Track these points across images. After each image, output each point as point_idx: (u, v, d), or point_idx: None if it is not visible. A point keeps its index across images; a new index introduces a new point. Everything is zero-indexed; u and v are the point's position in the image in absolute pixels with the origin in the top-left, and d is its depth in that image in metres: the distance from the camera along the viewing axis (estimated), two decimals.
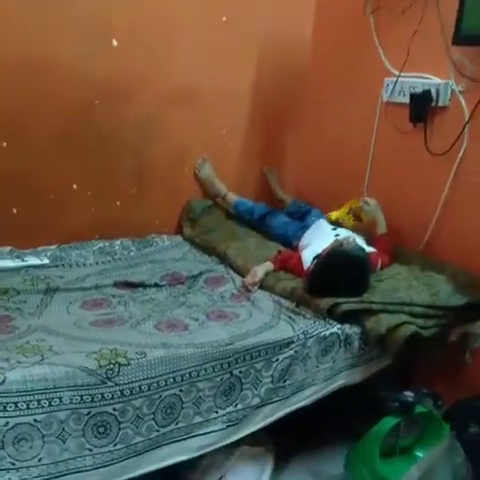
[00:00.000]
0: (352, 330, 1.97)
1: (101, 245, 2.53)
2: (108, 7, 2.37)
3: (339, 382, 2.01)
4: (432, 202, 2.35)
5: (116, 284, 2.24)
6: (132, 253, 2.56)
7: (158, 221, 2.82)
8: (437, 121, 2.32)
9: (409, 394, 2.00)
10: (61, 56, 2.32)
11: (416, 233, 2.43)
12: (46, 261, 2.34)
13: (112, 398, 1.55)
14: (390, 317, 1.94)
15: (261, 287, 2.21)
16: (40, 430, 1.46)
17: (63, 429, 1.49)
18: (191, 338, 1.77)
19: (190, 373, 1.68)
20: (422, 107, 2.31)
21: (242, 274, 2.32)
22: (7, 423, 1.42)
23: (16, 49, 2.24)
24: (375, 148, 2.61)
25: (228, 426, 1.78)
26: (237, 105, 2.89)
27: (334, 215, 2.49)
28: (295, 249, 2.44)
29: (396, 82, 2.42)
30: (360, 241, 2.29)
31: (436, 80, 2.28)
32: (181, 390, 1.67)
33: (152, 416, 1.63)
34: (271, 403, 1.86)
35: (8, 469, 1.44)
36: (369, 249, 2.25)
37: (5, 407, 1.42)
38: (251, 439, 1.91)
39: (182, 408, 1.69)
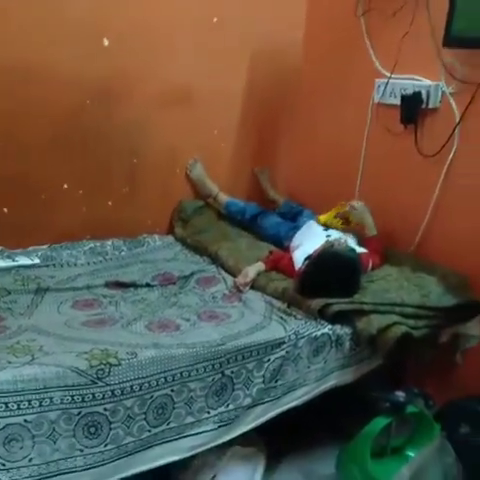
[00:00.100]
0: (343, 331, 1.97)
1: (92, 245, 2.52)
2: (99, 8, 2.37)
3: (330, 382, 2.02)
4: (423, 203, 2.36)
5: (107, 284, 2.24)
6: (123, 253, 2.55)
7: (150, 221, 2.81)
8: (428, 123, 2.34)
9: (400, 394, 2.01)
10: (52, 57, 2.31)
11: (407, 234, 2.44)
12: (37, 261, 2.33)
13: (103, 398, 1.54)
14: (381, 318, 1.94)
15: (253, 287, 2.21)
16: (30, 430, 1.46)
17: (54, 429, 1.49)
18: (182, 338, 1.77)
19: (181, 373, 1.67)
20: (413, 109, 2.32)
21: (234, 274, 2.32)
22: None
23: (5, 52, 2.23)
24: (366, 149, 2.62)
25: (220, 426, 1.78)
26: (229, 106, 2.89)
27: (322, 219, 2.49)
28: (286, 250, 2.45)
29: (387, 83, 2.42)
30: (351, 242, 2.31)
31: (426, 82, 2.29)
32: (172, 390, 1.67)
33: (143, 416, 1.63)
34: (263, 403, 1.87)
35: None
36: (360, 250, 2.26)
37: None
38: (243, 439, 1.91)
39: (174, 408, 1.68)
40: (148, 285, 2.26)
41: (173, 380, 1.66)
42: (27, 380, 1.46)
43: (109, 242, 2.57)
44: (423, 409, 2.06)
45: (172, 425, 1.69)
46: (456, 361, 2.26)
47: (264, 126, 3.02)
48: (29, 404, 1.45)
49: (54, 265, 2.35)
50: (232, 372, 1.77)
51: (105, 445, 1.57)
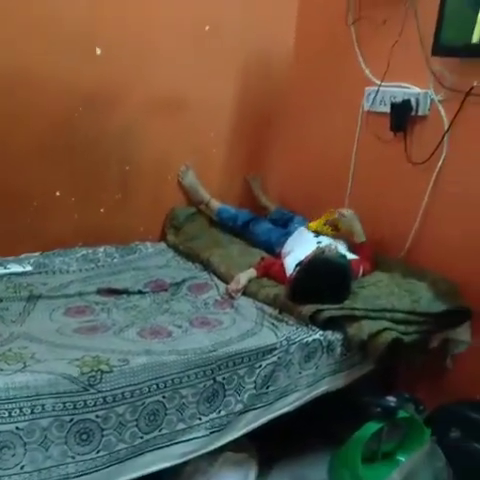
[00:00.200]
0: (334, 336, 1.98)
1: (84, 252, 2.53)
2: (92, 18, 2.38)
3: (322, 388, 2.02)
4: (413, 210, 2.38)
5: (99, 291, 2.24)
6: (115, 260, 2.56)
7: (142, 228, 2.82)
8: (417, 130, 2.36)
9: (391, 399, 2.02)
10: (44, 65, 2.32)
11: (397, 241, 2.46)
12: (29, 268, 2.33)
13: (95, 405, 1.55)
14: (372, 323, 1.96)
15: (244, 294, 2.23)
16: (22, 438, 1.46)
17: (46, 437, 1.49)
18: (174, 345, 1.78)
19: (173, 380, 1.68)
20: (402, 116, 2.34)
21: (226, 281, 2.33)
22: None
23: None
24: (357, 156, 2.64)
25: (211, 432, 1.79)
26: (221, 113, 2.91)
27: (312, 226, 2.51)
28: (278, 256, 2.46)
29: (377, 91, 2.45)
30: (342, 248, 2.32)
31: (416, 90, 2.32)
32: (164, 397, 1.67)
33: (135, 423, 1.63)
34: (254, 409, 1.87)
35: None
36: (351, 256, 2.28)
37: None
38: (235, 445, 1.91)
39: (165, 415, 1.69)
40: (140, 292, 2.26)
41: (165, 387, 1.67)
42: (19, 387, 1.46)
43: (101, 249, 2.58)
44: (414, 414, 2.07)
45: (164, 432, 1.70)
46: (446, 366, 2.28)
47: (255, 133, 3.04)
48: (21, 411, 1.45)
49: (46, 272, 2.35)
50: (224, 378, 1.78)
51: (97, 452, 1.57)
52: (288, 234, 2.56)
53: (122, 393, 1.59)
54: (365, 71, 2.52)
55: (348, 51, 2.57)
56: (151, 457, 1.69)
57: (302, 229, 2.54)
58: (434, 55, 2.16)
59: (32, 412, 1.47)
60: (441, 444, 1.94)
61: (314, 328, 1.97)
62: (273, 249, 2.57)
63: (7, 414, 1.44)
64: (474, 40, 2.01)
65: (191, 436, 1.75)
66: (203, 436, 1.77)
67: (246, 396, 1.83)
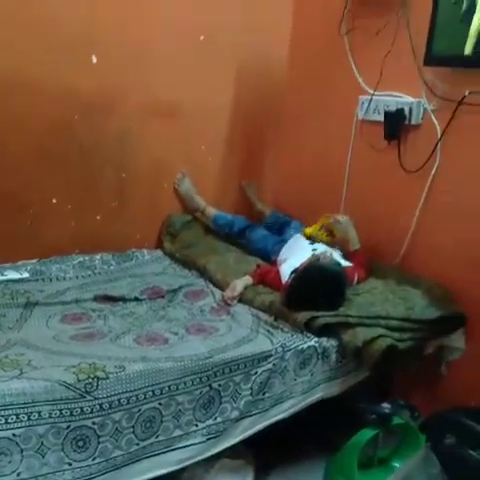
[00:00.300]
0: (329, 343, 2.00)
1: (81, 259, 2.53)
2: (88, 26, 2.40)
3: (317, 395, 2.03)
4: (407, 218, 2.40)
5: (96, 298, 2.24)
6: (112, 267, 2.56)
7: (138, 235, 2.83)
8: (410, 139, 2.39)
9: (386, 406, 2.03)
10: (41, 73, 2.33)
11: (392, 248, 2.47)
12: (26, 275, 2.33)
13: (91, 412, 1.55)
14: (366, 330, 1.97)
15: (240, 301, 2.24)
16: (19, 444, 1.46)
17: (42, 443, 1.49)
18: (170, 352, 1.78)
19: (169, 386, 1.69)
20: (396, 125, 2.37)
21: (221, 288, 2.34)
22: None
23: None
24: (351, 164, 2.66)
25: (208, 439, 1.79)
26: (216, 120, 2.93)
27: (308, 231, 2.53)
28: (274, 263, 2.47)
29: (371, 100, 2.48)
30: (337, 256, 2.33)
31: (409, 99, 2.34)
32: (160, 403, 1.68)
33: (132, 430, 1.63)
34: (250, 416, 1.88)
35: None
36: (345, 263, 2.29)
37: None
38: (231, 452, 1.91)
39: (162, 421, 1.69)
40: (137, 299, 2.27)
41: (161, 393, 1.67)
42: (15, 394, 1.47)
43: (98, 256, 2.58)
44: (409, 420, 2.08)
45: (160, 438, 1.70)
46: (441, 373, 2.29)
47: (251, 140, 3.06)
48: (17, 418, 1.46)
49: (43, 279, 2.36)
50: (220, 385, 1.79)
51: (93, 459, 1.58)
52: (284, 241, 2.58)
53: (118, 400, 1.59)
54: (359, 80, 2.55)
55: (342, 60, 2.60)
56: (148, 464, 1.69)
57: (298, 236, 2.55)
58: (426, 65, 2.19)
59: (29, 419, 1.47)
60: (436, 450, 1.95)
61: (309, 335, 1.98)
62: (269, 256, 2.58)
63: (3, 421, 1.44)
64: (466, 52, 2.03)
65: (188, 443, 1.76)
66: (200, 443, 1.78)
67: (242, 403, 1.84)
